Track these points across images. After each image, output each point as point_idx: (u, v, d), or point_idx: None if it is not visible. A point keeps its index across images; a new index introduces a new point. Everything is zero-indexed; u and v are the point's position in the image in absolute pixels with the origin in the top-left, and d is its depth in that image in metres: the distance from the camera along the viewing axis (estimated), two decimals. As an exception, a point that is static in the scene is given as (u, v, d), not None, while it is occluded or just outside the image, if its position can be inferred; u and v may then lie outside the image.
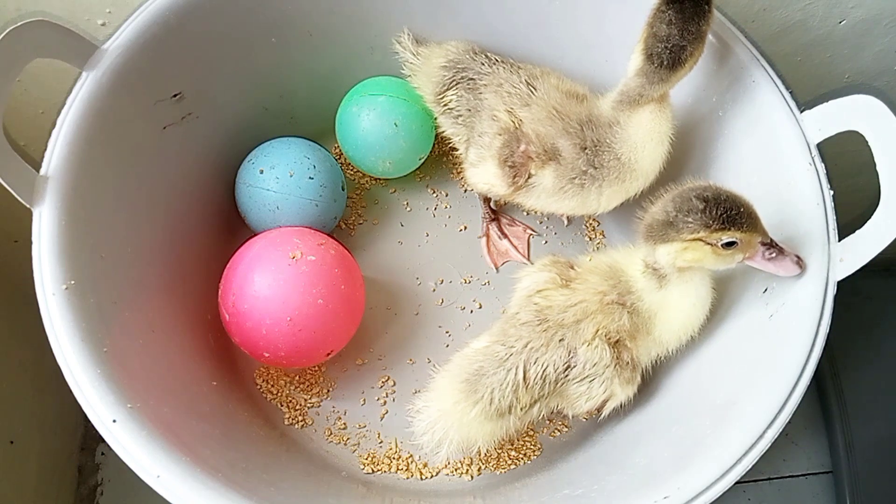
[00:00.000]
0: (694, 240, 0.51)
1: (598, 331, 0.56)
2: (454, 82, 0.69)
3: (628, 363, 0.56)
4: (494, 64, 0.68)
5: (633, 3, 0.62)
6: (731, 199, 0.50)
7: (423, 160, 0.78)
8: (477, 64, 0.68)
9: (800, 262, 0.52)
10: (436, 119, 0.74)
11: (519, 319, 0.58)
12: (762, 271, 0.57)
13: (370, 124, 0.72)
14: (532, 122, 0.63)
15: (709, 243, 0.51)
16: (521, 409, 0.56)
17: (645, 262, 0.56)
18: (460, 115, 0.69)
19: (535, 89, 0.64)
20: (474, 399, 0.56)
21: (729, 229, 0.50)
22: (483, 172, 0.67)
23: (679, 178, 0.66)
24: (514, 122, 0.64)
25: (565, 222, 0.79)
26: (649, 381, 0.61)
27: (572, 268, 0.60)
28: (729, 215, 0.50)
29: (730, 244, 0.51)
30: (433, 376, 0.60)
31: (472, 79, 0.68)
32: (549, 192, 0.64)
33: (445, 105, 0.70)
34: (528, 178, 0.63)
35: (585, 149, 0.61)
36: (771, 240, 0.52)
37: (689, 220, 0.50)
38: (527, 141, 0.62)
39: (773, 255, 0.52)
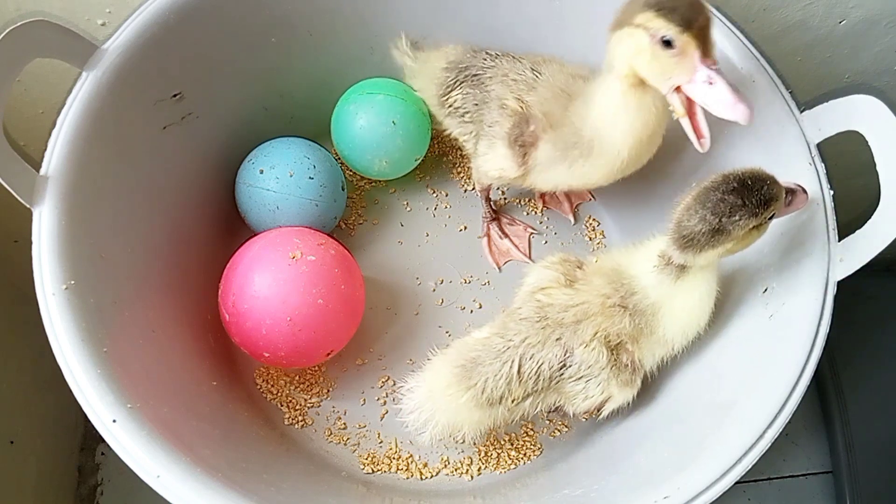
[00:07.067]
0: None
1: (596, 333, 0.56)
2: (458, 82, 0.68)
3: (627, 365, 0.56)
4: (497, 58, 0.67)
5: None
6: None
7: (418, 161, 0.77)
8: (479, 60, 0.68)
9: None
10: (441, 122, 0.73)
11: (519, 314, 0.58)
12: (762, 271, 0.57)
13: (367, 122, 0.72)
14: (539, 104, 0.62)
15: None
16: (513, 402, 0.57)
17: (661, 256, 0.54)
18: (467, 112, 0.68)
19: (539, 73, 0.64)
20: (467, 385, 0.56)
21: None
22: (494, 157, 0.66)
23: (677, 177, 0.66)
24: (521, 107, 0.63)
25: (571, 221, 0.79)
26: (650, 382, 0.61)
27: (580, 268, 0.60)
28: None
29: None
30: (430, 358, 0.60)
31: (475, 75, 0.67)
32: (544, 164, 0.63)
33: (451, 106, 0.70)
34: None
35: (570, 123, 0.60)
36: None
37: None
38: (535, 122, 0.62)
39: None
